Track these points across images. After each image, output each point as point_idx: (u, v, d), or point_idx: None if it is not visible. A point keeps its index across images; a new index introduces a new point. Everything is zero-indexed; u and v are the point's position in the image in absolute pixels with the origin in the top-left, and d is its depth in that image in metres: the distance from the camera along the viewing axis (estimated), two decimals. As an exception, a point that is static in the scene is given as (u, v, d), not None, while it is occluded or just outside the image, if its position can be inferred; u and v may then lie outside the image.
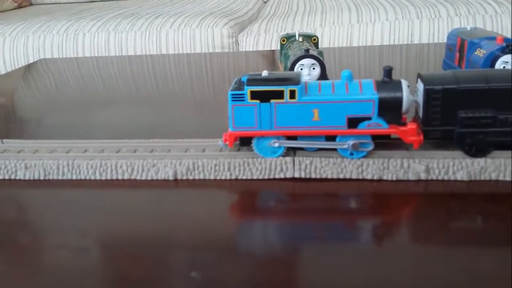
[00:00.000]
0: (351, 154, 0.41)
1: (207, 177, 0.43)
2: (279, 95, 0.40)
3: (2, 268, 0.33)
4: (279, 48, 0.73)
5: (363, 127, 0.40)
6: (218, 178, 0.43)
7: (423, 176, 0.40)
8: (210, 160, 0.43)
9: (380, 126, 0.40)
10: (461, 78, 0.39)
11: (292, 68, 0.60)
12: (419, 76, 0.41)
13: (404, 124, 0.41)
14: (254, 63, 1.00)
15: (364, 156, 0.41)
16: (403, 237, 0.35)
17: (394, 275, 0.30)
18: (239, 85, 0.41)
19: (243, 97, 0.40)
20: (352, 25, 1.38)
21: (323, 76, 0.60)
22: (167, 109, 0.67)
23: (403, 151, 0.42)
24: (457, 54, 0.64)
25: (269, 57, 1.07)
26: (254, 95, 0.40)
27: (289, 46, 0.68)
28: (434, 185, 0.40)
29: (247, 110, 0.41)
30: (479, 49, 0.59)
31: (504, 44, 0.55)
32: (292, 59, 0.60)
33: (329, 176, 0.41)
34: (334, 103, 0.40)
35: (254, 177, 0.42)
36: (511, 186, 0.39)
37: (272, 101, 0.40)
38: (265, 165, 0.42)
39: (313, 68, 0.60)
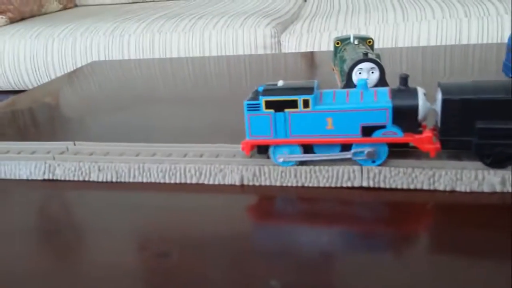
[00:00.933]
0: (373, 162, 0.42)
1: (273, 184, 0.43)
2: (293, 104, 0.41)
3: (85, 269, 0.34)
4: (332, 50, 0.72)
5: (377, 135, 0.40)
6: (284, 184, 0.43)
7: (498, 189, 0.39)
8: (276, 166, 0.43)
9: (395, 135, 0.40)
10: (480, 89, 0.38)
11: (350, 72, 0.59)
12: (439, 84, 0.40)
13: (421, 132, 0.41)
14: (294, 66, 1.00)
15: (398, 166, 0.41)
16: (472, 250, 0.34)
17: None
18: (255, 95, 0.42)
19: (259, 107, 0.41)
20: (398, 24, 1.36)
21: (382, 80, 0.59)
22: (219, 112, 0.67)
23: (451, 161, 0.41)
24: (521, 57, 0.62)
25: (310, 58, 1.06)
26: (269, 104, 0.41)
27: (345, 49, 0.68)
28: (509, 197, 0.39)
29: (263, 119, 0.42)
30: (546, 52, 0.56)
31: None
32: (349, 63, 0.60)
33: (399, 186, 0.41)
34: (348, 112, 0.40)
35: (321, 185, 0.42)
36: None
37: (286, 110, 0.41)
38: (332, 173, 0.42)
39: (372, 72, 0.59)
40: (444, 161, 0.42)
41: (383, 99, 0.40)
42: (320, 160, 0.43)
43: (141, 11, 1.85)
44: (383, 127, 0.40)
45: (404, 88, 0.40)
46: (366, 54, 0.59)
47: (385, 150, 0.41)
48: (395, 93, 0.40)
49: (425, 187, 0.40)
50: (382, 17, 1.40)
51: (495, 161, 0.39)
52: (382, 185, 0.41)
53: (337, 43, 0.71)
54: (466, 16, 1.31)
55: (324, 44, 1.40)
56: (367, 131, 0.41)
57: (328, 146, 0.42)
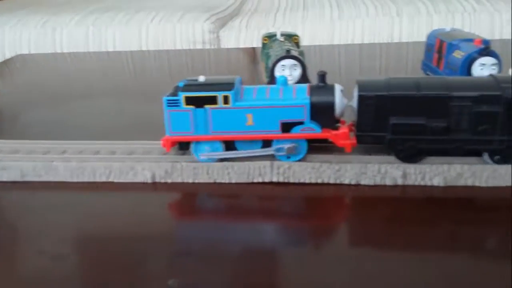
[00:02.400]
0: (288, 157, 0.42)
1: (185, 180, 0.42)
2: (213, 100, 0.41)
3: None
4: (261, 46, 0.72)
5: (296, 131, 0.41)
6: (196, 181, 0.42)
7: (399, 182, 0.40)
8: (189, 163, 0.43)
9: (313, 130, 0.41)
10: (394, 85, 0.40)
11: (273, 69, 0.60)
12: (356, 81, 0.41)
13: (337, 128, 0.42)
14: (230, 61, 1.00)
15: (322, 161, 0.42)
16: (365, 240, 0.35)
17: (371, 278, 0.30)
18: (175, 91, 0.42)
19: (178, 103, 0.41)
20: (333, 21, 1.39)
21: (304, 76, 0.60)
22: (144, 108, 0.66)
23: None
24: (436, 55, 0.64)
25: (247, 54, 1.06)
26: (189, 100, 0.41)
27: (271, 46, 0.68)
28: (410, 190, 0.40)
29: (183, 115, 0.41)
30: (457, 50, 0.59)
31: (482, 46, 0.56)
32: (273, 59, 0.60)
33: (307, 181, 0.41)
34: (268, 108, 0.41)
35: (233, 181, 0.42)
36: (487, 191, 0.39)
37: (206, 106, 0.41)
38: (244, 169, 0.42)
39: (295, 69, 0.59)
40: (353, 156, 0.43)
41: (302, 96, 0.41)
42: (242, 156, 0.43)
43: (75, 3, 1.79)
44: (301, 123, 0.41)
45: (322, 85, 0.41)
46: (288, 51, 0.60)
47: (304, 146, 0.42)
48: (313, 90, 0.41)
49: (332, 181, 0.41)
50: (319, 14, 1.42)
51: (408, 156, 0.41)
52: (291, 180, 0.42)
53: (265, 40, 0.72)
54: (398, 15, 1.36)
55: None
56: (287, 127, 0.41)
57: (250, 142, 0.42)
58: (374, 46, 1.09)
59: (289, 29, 1.39)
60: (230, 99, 0.40)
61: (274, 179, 0.42)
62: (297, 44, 0.71)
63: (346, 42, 1.36)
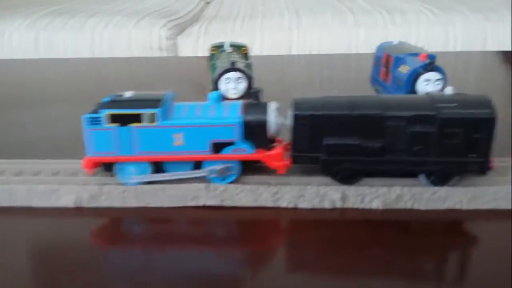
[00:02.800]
0: (223, 179, 0.40)
1: (113, 205, 0.39)
2: (138, 118, 0.38)
3: None
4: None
5: (227, 152, 0.39)
6: (125, 206, 0.39)
7: (338, 205, 0.39)
8: (118, 186, 0.40)
9: (245, 151, 0.39)
10: (329, 104, 0.38)
11: (217, 82, 0.57)
12: (293, 100, 0.40)
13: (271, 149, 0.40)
14: (182, 70, 0.97)
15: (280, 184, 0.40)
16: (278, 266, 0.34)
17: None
18: (97, 108, 0.39)
19: (100, 121, 0.38)
20: (292, 30, 1.38)
21: (249, 90, 0.58)
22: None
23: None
24: (383, 69, 0.64)
25: (203, 63, 1.03)
26: (112, 118, 0.38)
27: (218, 57, 0.66)
28: (349, 213, 0.39)
29: (105, 134, 0.39)
30: (403, 65, 0.59)
31: (427, 61, 0.56)
32: (218, 71, 0.58)
33: (244, 204, 0.39)
34: (197, 127, 0.39)
35: (165, 205, 0.39)
36: (426, 214, 0.38)
37: (131, 125, 0.38)
38: (176, 192, 0.39)
39: (240, 82, 0.57)
40: (292, 177, 0.41)
41: (233, 114, 0.39)
42: (171, 179, 0.40)
43: (25, 6, 1.72)
44: (232, 143, 0.39)
45: (256, 103, 0.39)
46: (233, 63, 0.58)
47: (238, 167, 0.40)
48: (246, 108, 0.39)
49: (269, 204, 0.39)
50: (278, 22, 1.41)
51: (344, 177, 0.39)
52: (227, 204, 0.39)
53: (213, 50, 0.69)
54: (355, 25, 1.36)
55: (220, 48, 1.38)
56: (218, 147, 0.39)
57: (180, 163, 0.40)
58: (327, 57, 1.09)
59: (248, 37, 1.38)
60: (157, 117, 0.38)
61: (209, 203, 0.39)
62: (245, 56, 0.69)
63: (304, 52, 1.35)
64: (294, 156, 0.39)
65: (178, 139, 0.38)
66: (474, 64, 0.97)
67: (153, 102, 0.38)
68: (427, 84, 0.55)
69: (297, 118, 0.38)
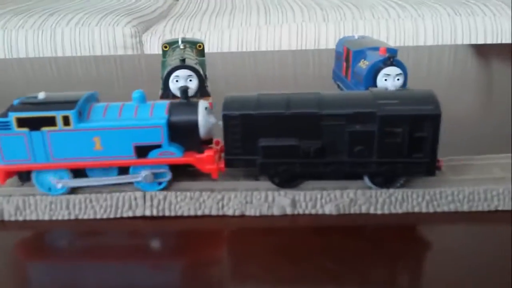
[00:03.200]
0: (159, 183, 0.37)
1: (40, 218, 0.36)
2: (51, 121, 0.34)
3: None
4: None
5: (153, 156, 0.36)
6: (54, 218, 0.36)
7: (288, 211, 0.36)
8: (46, 196, 0.36)
9: (173, 155, 0.36)
10: (262, 103, 0.35)
11: (166, 80, 0.54)
12: (224, 98, 0.37)
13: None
14: (152, 68, 0.93)
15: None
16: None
17: None
18: (7, 111, 0.35)
19: (9, 125, 0.34)
20: (260, 27, 1.35)
21: (201, 88, 0.55)
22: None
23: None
24: (344, 64, 0.61)
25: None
26: (22, 122, 0.34)
27: (171, 54, 0.62)
28: (300, 219, 0.36)
29: (16, 140, 0.35)
30: (363, 60, 0.56)
31: (387, 56, 0.53)
32: (167, 69, 0.54)
33: (186, 213, 0.36)
34: (117, 130, 0.35)
35: (98, 216, 0.36)
36: (382, 219, 0.36)
37: (43, 129, 0.34)
38: (111, 201, 0.36)
39: (190, 80, 0.54)
40: (240, 182, 0.38)
41: (158, 115, 0.35)
42: (99, 185, 0.36)
43: (-16, 4, 1.65)
44: (159, 146, 0.35)
45: (185, 102, 0.36)
46: (183, 60, 0.54)
47: (167, 172, 0.36)
48: (174, 108, 0.36)
49: (214, 212, 0.36)
50: (246, 19, 1.38)
51: (284, 181, 0.36)
52: (167, 213, 0.36)
53: (165, 47, 0.66)
54: (324, 21, 1.34)
55: (187, 45, 1.34)
56: (142, 151, 0.35)
57: (105, 169, 0.36)
58: (295, 53, 1.06)
59: (215, 34, 1.34)
60: (71, 120, 0.34)
61: (147, 213, 0.36)
62: (201, 52, 0.66)
63: (273, 48, 1.32)
64: (227, 159, 0.36)
65: (98, 144, 0.35)
66: (446, 58, 0.95)
67: (67, 104, 0.34)
68: (387, 79, 0.53)
69: (226, 118, 0.35)
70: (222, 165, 0.36)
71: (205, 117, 0.36)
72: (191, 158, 0.36)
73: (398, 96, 0.34)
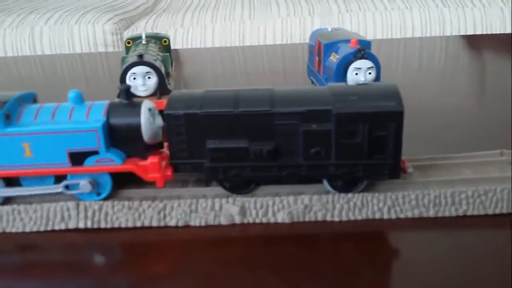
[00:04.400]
0: (99, 194, 0.34)
1: (-36, 232, 0.32)
2: None
3: None
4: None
5: (90, 164, 0.32)
6: (-21, 232, 0.32)
7: (237, 220, 0.33)
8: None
9: (112, 162, 0.32)
10: (209, 101, 0.32)
11: (123, 78, 0.50)
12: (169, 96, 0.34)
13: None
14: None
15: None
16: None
17: None
18: None
19: None
20: (244, 21, 1.31)
21: (162, 85, 0.51)
22: None
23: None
24: (317, 58, 0.58)
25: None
26: None
27: (134, 50, 0.59)
28: (251, 229, 0.33)
29: None
30: (333, 53, 0.53)
31: (357, 48, 0.49)
32: (124, 66, 0.51)
33: (123, 225, 0.33)
34: (48, 135, 0.32)
35: (27, 229, 0.32)
36: (339, 226, 0.32)
37: None
38: (41, 213, 0.33)
39: (148, 77, 0.50)
40: (186, 188, 0.35)
41: (95, 118, 0.32)
42: (32, 195, 0.33)
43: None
44: (96, 152, 0.32)
45: (126, 103, 0.32)
46: (141, 56, 0.51)
47: (107, 180, 0.33)
48: (113, 110, 0.32)
49: (155, 223, 0.33)
50: (229, 14, 1.35)
51: (235, 186, 0.33)
52: (103, 225, 0.33)
53: (128, 43, 0.62)
54: (310, 14, 1.30)
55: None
56: (78, 158, 0.32)
57: (39, 178, 0.33)
58: (277, 48, 1.03)
59: (198, 29, 1.31)
60: None
61: (81, 225, 0.33)
62: (166, 48, 0.63)
63: (258, 43, 1.29)
64: (173, 164, 0.33)
65: (27, 150, 0.31)
66: (433, 50, 0.91)
67: None
68: (358, 73, 0.49)
69: (169, 118, 0.32)
70: (168, 173, 0.33)
71: (148, 119, 0.32)
72: (133, 165, 0.32)
73: (357, 92, 0.31)
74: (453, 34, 1.22)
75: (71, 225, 0.33)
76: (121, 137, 0.32)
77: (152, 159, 0.32)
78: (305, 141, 0.31)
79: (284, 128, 0.31)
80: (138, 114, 0.32)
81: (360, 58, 0.49)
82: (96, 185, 0.33)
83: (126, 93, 0.32)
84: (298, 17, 1.31)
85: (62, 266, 0.31)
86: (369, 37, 1.25)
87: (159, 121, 0.33)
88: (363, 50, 0.49)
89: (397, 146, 0.31)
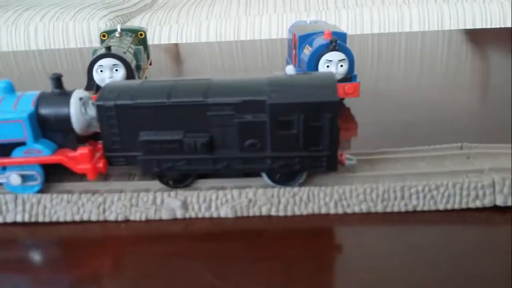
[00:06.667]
0: (24, 189, 0.33)
1: None
2: None
3: None
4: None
5: (18, 155, 0.31)
6: None
7: (179, 214, 0.31)
8: None
9: (40, 153, 0.31)
10: (142, 91, 0.31)
11: (90, 70, 0.50)
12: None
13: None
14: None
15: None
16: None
17: None
18: None
19: None
20: (240, 17, 1.30)
21: (130, 78, 0.50)
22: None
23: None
24: (293, 51, 0.56)
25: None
26: None
27: (108, 42, 0.58)
28: (193, 224, 0.31)
29: None
30: (307, 46, 0.51)
31: (329, 40, 0.48)
32: (91, 59, 0.50)
33: (62, 219, 0.32)
34: None
35: (-38, 224, 0.32)
36: (284, 222, 0.31)
37: None
38: (-22, 206, 0.32)
39: (116, 70, 0.50)
40: (130, 182, 0.34)
41: (22, 108, 0.31)
42: None
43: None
44: (23, 144, 0.31)
45: (57, 92, 0.31)
46: (108, 48, 0.50)
47: (40, 173, 0.32)
48: (42, 99, 0.31)
49: (94, 217, 0.32)
50: (225, 9, 1.34)
51: (174, 180, 0.32)
52: (41, 219, 0.32)
53: (103, 36, 0.61)
54: (306, 10, 1.29)
55: (164, 38, 1.30)
56: (5, 149, 0.31)
57: None
58: (269, 42, 1.01)
59: (193, 26, 1.30)
60: None
61: (19, 219, 0.32)
62: (142, 41, 0.62)
63: (253, 38, 1.28)
64: (107, 157, 0.32)
65: None
66: (435, 44, 0.89)
67: None
68: (329, 66, 0.48)
69: (100, 109, 0.30)
70: (100, 164, 0.32)
71: (79, 109, 0.31)
72: (61, 156, 0.31)
73: (293, 82, 0.30)
74: (452, 28, 1.20)
75: (9, 218, 0.32)
76: (52, 128, 0.31)
77: (82, 150, 0.31)
78: (240, 133, 0.30)
79: (218, 119, 0.30)
80: (67, 104, 0.31)
81: (332, 50, 0.48)
82: (30, 178, 0.32)
83: (57, 81, 0.31)
84: (294, 13, 1.29)
85: (-1, 261, 0.30)
86: (366, 32, 1.23)
87: (91, 111, 0.32)
88: (335, 41, 0.48)
89: (333, 137, 0.29)
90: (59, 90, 0.31)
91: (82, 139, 0.32)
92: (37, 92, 0.32)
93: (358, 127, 0.47)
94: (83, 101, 0.31)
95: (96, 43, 1.35)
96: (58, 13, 1.36)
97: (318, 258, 0.28)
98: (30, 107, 0.31)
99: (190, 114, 0.30)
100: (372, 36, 1.05)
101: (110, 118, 0.30)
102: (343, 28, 1.24)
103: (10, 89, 0.32)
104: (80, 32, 1.33)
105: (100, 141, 0.33)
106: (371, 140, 0.42)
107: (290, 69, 0.31)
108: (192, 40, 1.27)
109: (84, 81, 0.50)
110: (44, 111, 0.31)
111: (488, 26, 1.21)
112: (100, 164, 0.32)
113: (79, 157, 0.31)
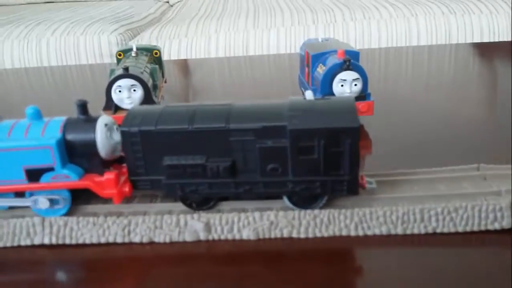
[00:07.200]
0: (51, 212, 0.34)
1: None
2: None
3: None
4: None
5: (46, 180, 0.32)
6: None
7: (202, 236, 0.32)
8: None
9: (67, 178, 0.32)
10: (165, 117, 0.32)
11: (109, 91, 0.51)
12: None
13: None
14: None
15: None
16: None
17: None
18: None
19: None
20: (248, 31, 1.32)
21: (147, 98, 0.51)
22: None
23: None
24: (306, 69, 0.57)
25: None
26: None
27: (125, 62, 0.59)
28: (216, 246, 0.32)
29: None
30: (321, 64, 0.52)
31: (342, 60, 0.49)
32: (109, 79, 0.51)
33: (88, 241, 0.32)
34: (4, 152, 0.32)
35: (-8, 246, 0.33)
36: (306, 244, 0.32)
37: None
38: (8, 228, 0.32)
39: (134, 90, 0.51)
40: (154, 204, 0.34)
41: (50, 134, 0.32)
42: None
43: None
44: (51, 169, 0.32)
45: (82, 118, 0.32)
46: (126, 69, 0.51)
47: (67, 197, 0.33)
48: (69, 126, 0.32)
49: (119, 240, 0.32)
50: (233, 23, 1.35)
51: (196, 203, 0.33)
52: (68, 241, 0.32)
53: (119, 55, 0.62)
54: (314, 23, 1.30)
55: (174, 52, 1.32)
56: (34, 175, 0.32)
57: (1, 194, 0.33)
58: (278, 57, 1.02)
59: (202, 39, 1.31)
60: None
61: (46, 241, 0.32)
62: (157, 60, 0.63)
63: (262, 53, 1.29)
64: (132, 181, 0.33)
65: None
66: (442, 58, 0.89)
67: None
68: (343, 85, 0.49)
69: (124, 135, 0.31)
70: (126, 189, 0.33)
71: (104, 135, 0.32)
72: (88, 182, 0.32)
73: (313, 107, 0.30)
74: (460, 42, 1.21)
75: (37, 241, 0.32)
76: (78, 153, 0.32)
77: (108, 175, 0.32)
78: (261, 158, 0.31)
79: (240, 144, 0.30)
80: (93, 130, 0.32)
81: (346, 70, 0.48)
82: (57, 202, 0.33)
83: (83, 108, 0.32)
84: (302, 26, 1.30)
85: (26, 283, 0.31)
86: (373, 46, 1.24)
87: (116, 136, 0.33)
88: (349, 61, 0.49)
89: (354, 162, 0.30)
90: (85, 116, 0.32)
91: (107, 163, 0.33)
92: (63, 118, 0.33)
93: (372, 145, 0.48)
94: (108, 127, 0.32)
95: (107, 57, 1.37)
96: (69, 28, 1.38)
97: (340, 280, 0.29)
98: (58, 134, 0.32)
99: (212, 139, 0.31)
100: (379, 50, 1.05)
101: (135, 143, 0.31)
102: (351, 42, 1.25)
103: (37, 115, 0.33)
104: (91, 46, 1.35)
105: (124, 165, 0.33)
106: (386, 158, 0.42)
107: (309, 94, 0.32)
108: (202, 54, 1.28)
109: (98, 98, 0.51)
110: (71, 137, 0.32)
111: (496, 39, 1.22)
112: (126, 189, 0.33)
113: (105, 183, 0.32)
